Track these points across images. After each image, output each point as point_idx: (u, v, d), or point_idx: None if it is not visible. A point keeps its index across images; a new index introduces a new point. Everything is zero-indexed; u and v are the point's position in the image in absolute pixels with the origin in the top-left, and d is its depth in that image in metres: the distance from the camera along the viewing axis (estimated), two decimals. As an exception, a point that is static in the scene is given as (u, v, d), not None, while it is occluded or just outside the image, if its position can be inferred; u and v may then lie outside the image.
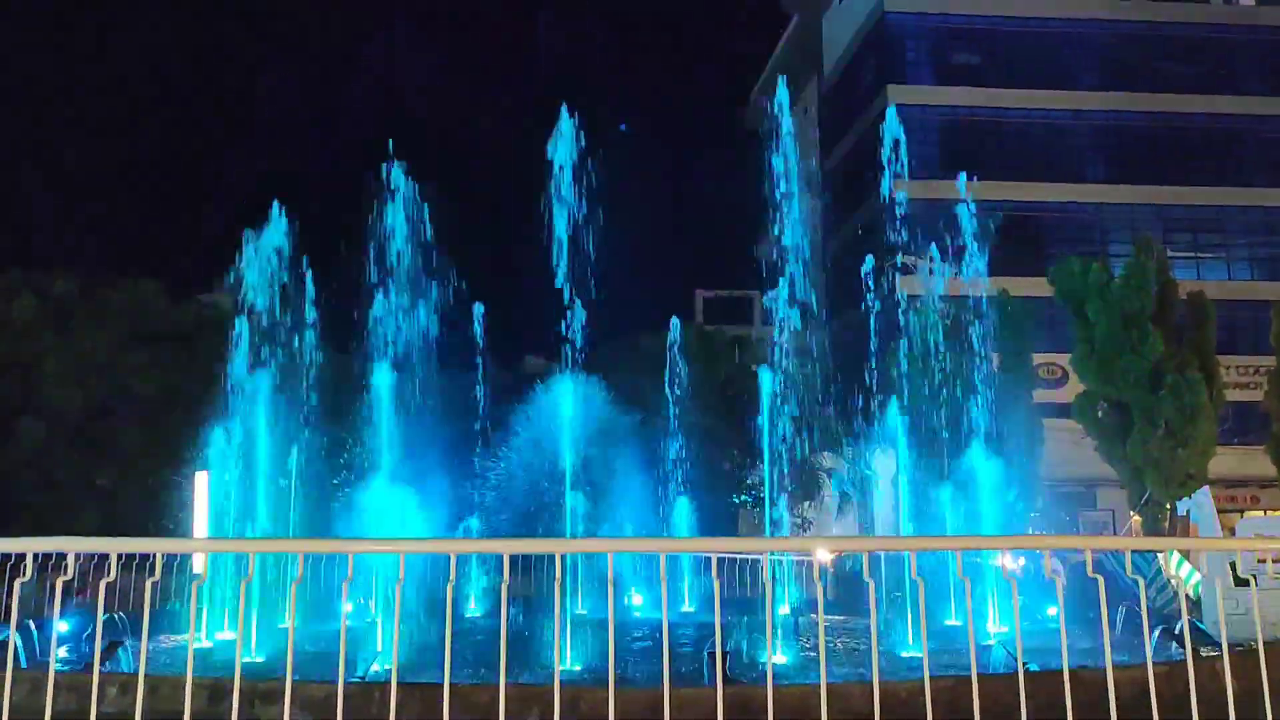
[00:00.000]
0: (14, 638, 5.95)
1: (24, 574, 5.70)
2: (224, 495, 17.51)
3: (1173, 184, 43.76)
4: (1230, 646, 6.08)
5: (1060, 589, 5.86)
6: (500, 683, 5.42)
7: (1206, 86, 44.96)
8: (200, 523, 18.20)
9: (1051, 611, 12.00)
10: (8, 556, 6.02)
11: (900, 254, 30.54)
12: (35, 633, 10.45)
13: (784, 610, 14.92)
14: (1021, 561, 14.02)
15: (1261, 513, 35.74)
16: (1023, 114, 45.15)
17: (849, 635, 12.14)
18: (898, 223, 24.42)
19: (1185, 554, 13.60)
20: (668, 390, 28.44)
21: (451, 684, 5.44)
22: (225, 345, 18.36)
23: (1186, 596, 13.25)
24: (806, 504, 32.60)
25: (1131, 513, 35.65)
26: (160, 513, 21.37)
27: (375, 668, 9.34)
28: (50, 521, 25.41)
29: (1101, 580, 5.57)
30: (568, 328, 19.17)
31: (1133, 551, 7.79)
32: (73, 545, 5.65)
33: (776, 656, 6.07)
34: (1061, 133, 45.34)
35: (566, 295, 19.10)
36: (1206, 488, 14.95)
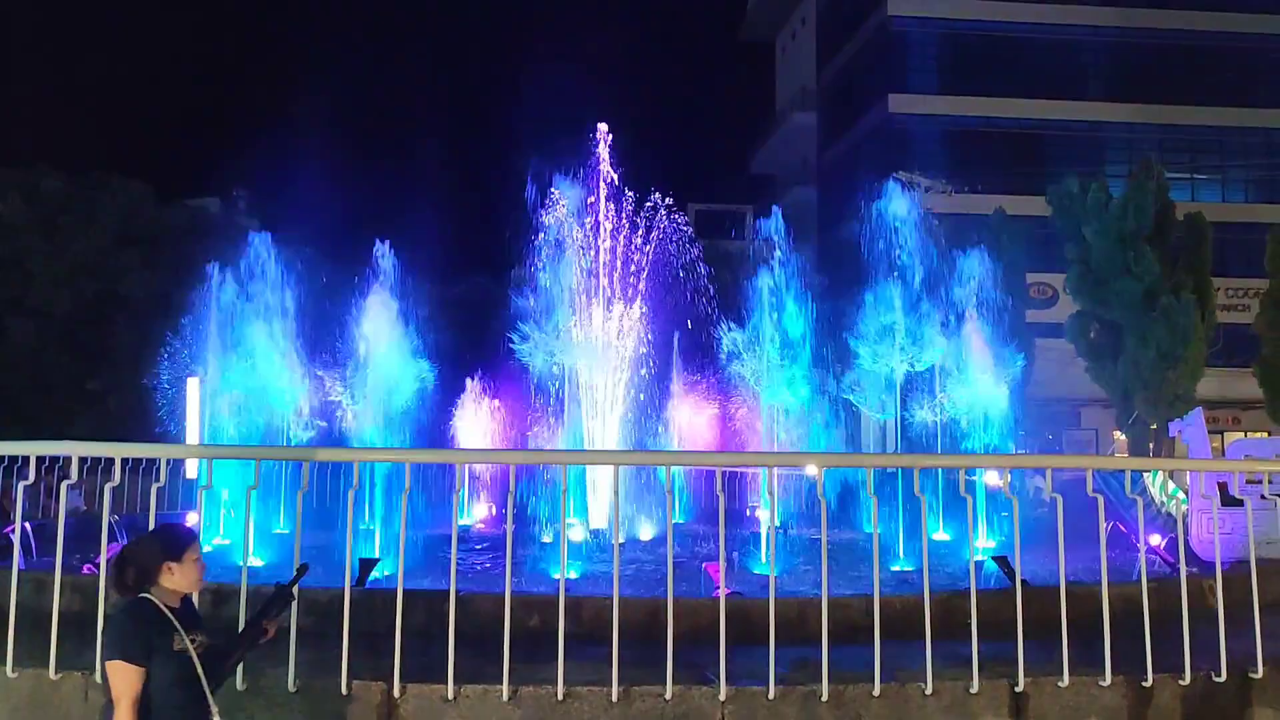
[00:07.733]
0: (17, 538, 5.98)
1: (28, 477, 5.73)
2: (217, 400, 17.53)
3: (1172, 103, 43.21)
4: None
5: (1060, 509, 5.94)
6: (506, 591, 5.50)
7: (1211, 3, 44.11)
8: (192, 429, 18.20)
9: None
10: (11, 459, 6.04)
11: (895, 171, 30.23)
12: (31, 535, 10.53)
13: (772, 524, 15.08)
14: (1008, 478, 14.14)
15: (1242, 434, 36.19)
16: (1023, 28, 44.32)
17: (837, 550, 12.31)
18: (893, 138, 24.12)
19: (1171, 474, 13.80)
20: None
21: (457, 592, 5.52)
22: (215, 248, 18.23)
23: (1170, 515, 13.48)
24: (794, 422, 32.71)
25: (1116, 432, 36.04)
26: (152, 418, 21.37)
27: (376, 574, 9.45)
28: (43, 425, 25.42)
29: (1102, 500, 5.65)
30: (557, 238, 19.07)
31: (1115, 472, 7.91)
32: (76, 449, 5.66)
33: (769, 568, 6.16)
34: (1062, 48, 44.56)
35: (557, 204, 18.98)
36: (1200, 409, 15.06)
